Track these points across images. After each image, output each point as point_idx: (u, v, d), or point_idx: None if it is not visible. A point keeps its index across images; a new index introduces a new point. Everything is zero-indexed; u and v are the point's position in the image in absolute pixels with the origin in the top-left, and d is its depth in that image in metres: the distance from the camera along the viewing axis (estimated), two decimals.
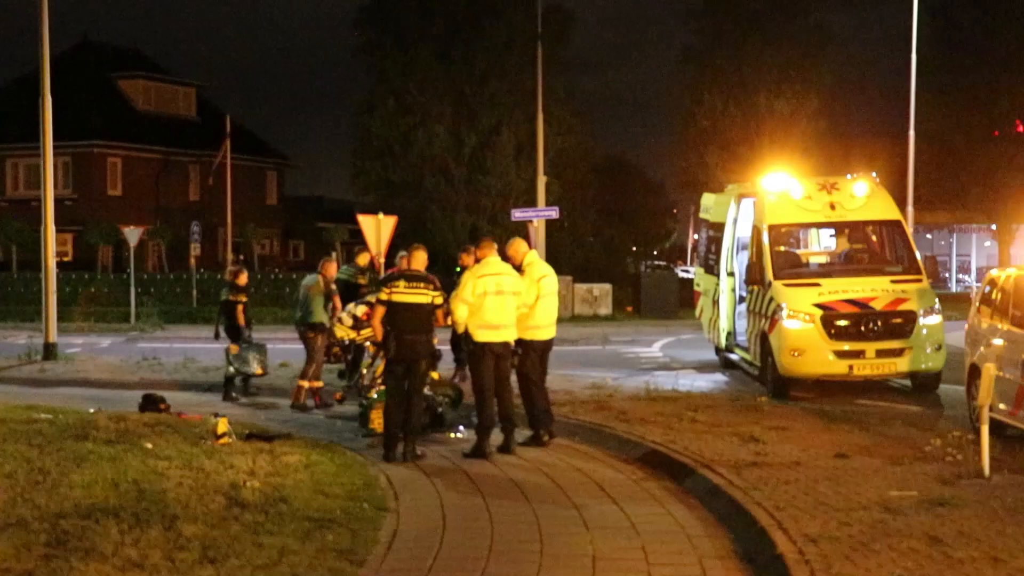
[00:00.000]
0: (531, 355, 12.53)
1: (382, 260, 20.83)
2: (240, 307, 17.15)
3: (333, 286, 16.13)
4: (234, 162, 49.32)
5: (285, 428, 13.63)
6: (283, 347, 24.87)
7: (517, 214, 33.29)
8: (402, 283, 11.78)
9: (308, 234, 60.47)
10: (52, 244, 22.55)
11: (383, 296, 11.80)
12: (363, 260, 18.38)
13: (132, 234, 34.22)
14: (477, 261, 12.42)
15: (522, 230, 33.23)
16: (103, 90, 52.94)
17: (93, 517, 8.48)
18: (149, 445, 11.60)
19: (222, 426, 12.20)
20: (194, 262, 40.25)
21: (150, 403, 14.93)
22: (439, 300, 11.82)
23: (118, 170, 51.41)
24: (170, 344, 25.91)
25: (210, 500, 9.18)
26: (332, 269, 16.39)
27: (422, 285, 11.77)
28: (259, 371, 17.02)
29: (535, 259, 12.82)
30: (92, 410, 14.40)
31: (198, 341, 27.60)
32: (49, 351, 22.05)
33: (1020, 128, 42.08)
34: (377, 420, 12.69)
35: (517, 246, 12.77)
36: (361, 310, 15.39)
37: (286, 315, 35.25)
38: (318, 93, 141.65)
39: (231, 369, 16.85)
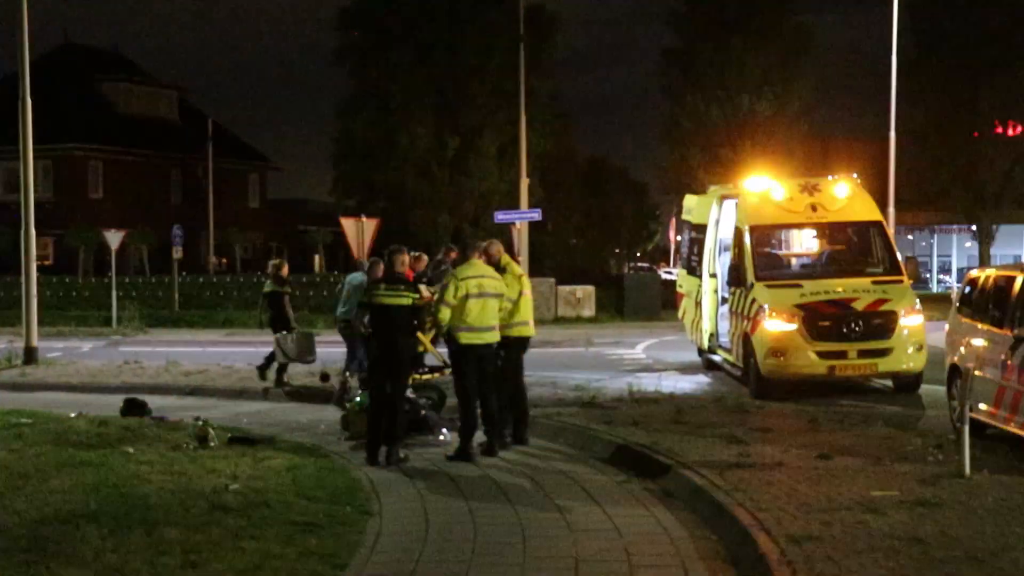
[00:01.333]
0: (517, 353, 12.58)
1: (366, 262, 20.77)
2: (286, 298, 18.10)
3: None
4: (216, 165, 49.20)
5: (268, 431, 13.59)
6: (266, 350, 24.80)
7: (500, 216, 33.31)
8: (382, 286, 11.84)
9: (291, 237, 60.35)
10: (33, 248, 22.43)
11: (365, 299, 11.85)
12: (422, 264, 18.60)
13: (113, 237, 34.07)
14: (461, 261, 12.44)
15: (505, 232, 33.27)
16: (85, 93, 52.71)
17: (73, 522, 8.45)
18: (130, 449, 11.56)
19: (204, 430, 12.17)
20: (176, 265, 40.12)
21: (132, 407, 14.89)
22: (419, 302, 11.83)
23: (99, 173, 51.21)
24: (152, 348, 25.80)
25: (192, 504, 9.15)
26: (381, 270, 16.73)
27: (402, 288, 11.81)
28: (310, 358, 17.81)
29: (509, 258, 12.92)
30: (73, 414, 14.34)
31: (180, 345, 27.52)
32: (30, 355, 21.93)
33: (999, 130, 42.32)
34: (360, 423, 12.67)
35: (498, 246, 12.83)
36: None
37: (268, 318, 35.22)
38: (300, 96, 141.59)
39: (282, 358, 17.64)
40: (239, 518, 8.75)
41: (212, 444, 11.96)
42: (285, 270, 18.42)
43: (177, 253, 40.59)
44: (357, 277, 16.31)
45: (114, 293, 34.38)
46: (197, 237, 51.01)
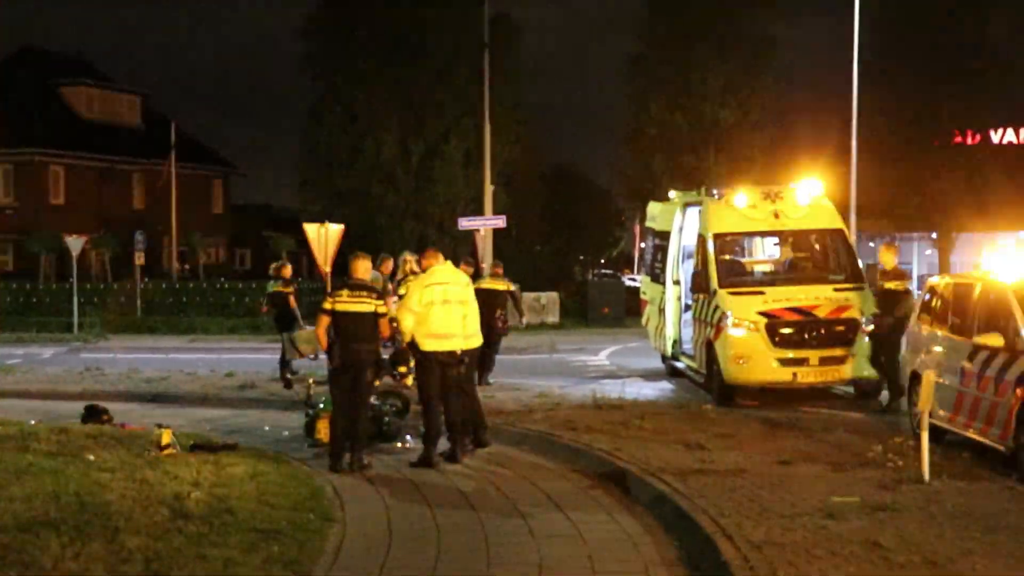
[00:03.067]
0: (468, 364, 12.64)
1: (327, 269, 20.73)
2: (292, 297, 18.87)
3: (389, 285, 17.48)
4: (180, 170, 48.87)
5: (231, 438, 13.51)
6: (229, 357, 24.73)
7: (464, 223, 33.29)
8: (345, 292, 11.81)
9: (255, 243, 60.06)
10: None
11: (327, 306, 11.81)
12: (387, 268, 18.76)
13: (75, 243, 33.80)
14: (423, 271, 12.44)
15: (470, 239, 33.26)
16: (45, 97, 52.26)
17: (33, 531, 8.36)
18: (91, 457, 11.47)
19: (166, 437, 12.09)
20: (138, 271, 39.82)
21: (93, 414, 14.76)
22: (382, 309, 11.82)
23: (61, 178, 50.74)
24: (114, 354, 25.60)
25: (154, 512, 9.08)
26: (389, 266, 18.38)
27: (364, 294, 11.78)
28: (313, 356, 18.02)
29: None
30: (33, 421, 14.21)
31: (143, 351, 27.34)
32: None
33: (959, 139, 42.77)
34: (323, 430, 12.63)
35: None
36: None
37: (232, 324, 35.05)
38: (265, 101, 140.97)
39: (291, 354, 18.27)
40: (201, 526, 8.70)
41: (174, 451, 11.89)
42: (287, 271, 19.21)
43: (139, 259, 40.31)
44: (373, 275, 16.57)
45: (75, 299, 34.10)
46: (160, 243, 50.66)
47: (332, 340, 11.78)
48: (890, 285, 15.45)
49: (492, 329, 16.99)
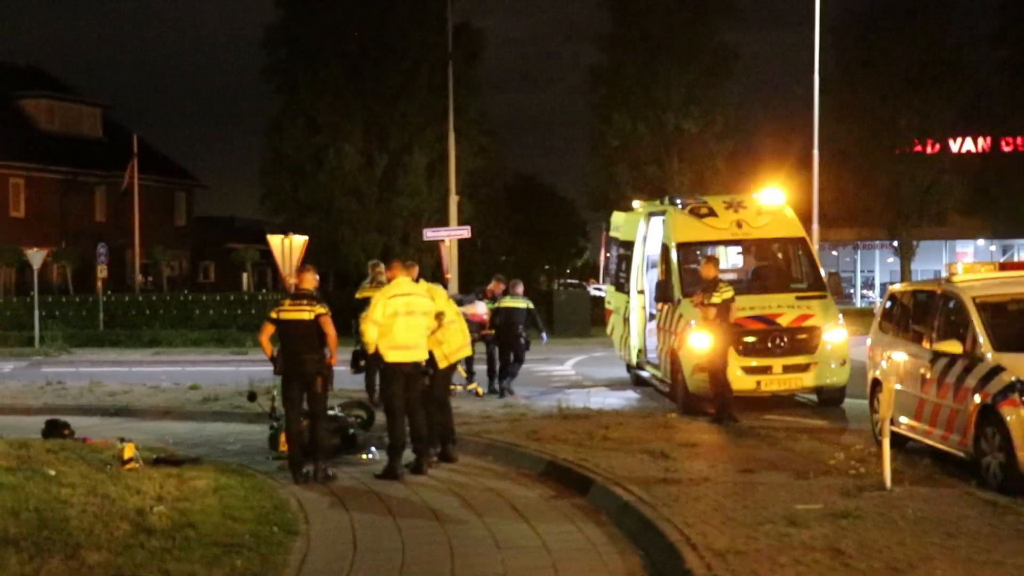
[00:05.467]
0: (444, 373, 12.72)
1: (292, 281, 20.63)
2: None
3: None
4: (142, 182, 48.56)
5: (194, 452, 13.43)
6: (192, 370, 24.59)
7: (429, 234, 33.27)
8: (287, 302, 12.02)
9: (218, 255, 59.74)
10: None
11: (272, 315, 11.99)
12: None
13: (35, 256, 33.52)
14: (388, 282, 12.49)
15: (434, 250, 33.24)
16: (4, 110, 51.81)
17: None
18: (52, 472, 11.35)
19: (128, 451, 11.99)
20: (101, 284, 39.51)
21: (54, 429, 14.60)
22: (321, 309, 11.84)
23: (21, 191, 50.29)
24: (76, 368, 25.39)
25: (115, 527, 9.00)
26: (414, 274, 18.09)
27: (304, 302, 11.89)
28: None
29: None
30: None
31: (105, 365, 27.12)
32: None
33: (919, 148, 43.22)
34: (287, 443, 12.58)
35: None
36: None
37: (196, 337, 34.83)
38: (227, 112, 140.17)
39: None
40: (164, 540, 8.63)
41: (137, 465, 11.79)
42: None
43: (102, 272, 40.02)
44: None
45: (36, 313, 33.80)
46: (122, 255, 50.29)
47: (277, 349, 11.97)
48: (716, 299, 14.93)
49: (515, 344, 18.56)
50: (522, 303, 18.89)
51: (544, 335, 20.08)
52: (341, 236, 40.41)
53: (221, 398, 18.31)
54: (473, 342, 18.97)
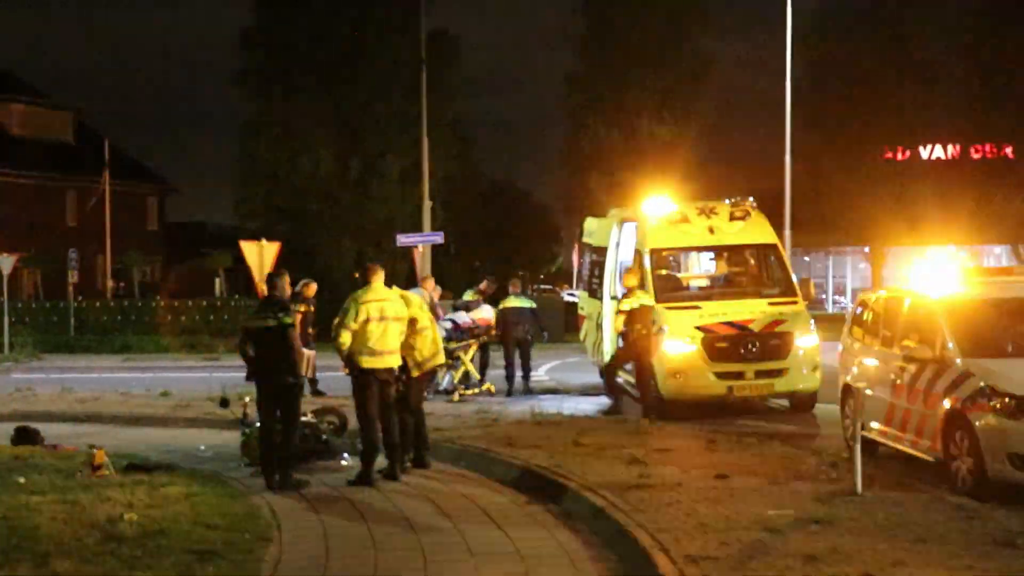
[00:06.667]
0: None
1: (263, 287, 20.56)
2: (303, 316, 18.28)
3: (436, 299, 18.82)
4: (113, 187, 48.26)
5: (166, 458, 13.35)
6: (164, 376, 24.45)
7: (402, 239, 33.18)
8: (258, 309, 12.10)
9: (191, 261, 59.40)
10: None
11: (244, 323, 12.07)
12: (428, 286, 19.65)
13: (5, 262, 33.21)
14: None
15: (408, 255, 33.17)
16: None
17: None
18: (21, 480, 11.26)
19: (99, 458, 11.92)
20: (72, 290, 39.20)
21: (23, 436, 14.50)
22: (288, 320, 11.86)
23: None
24: (46, 374, 25.19)
25: (85, 535, 8.94)
26: (431, 284, 19.41)
27: (271, 310, 11.92)
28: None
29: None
30: None
31: (76, 371, 26.93)
32: None
33: (889, 155, 43.50)
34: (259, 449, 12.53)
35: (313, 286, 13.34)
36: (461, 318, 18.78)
37: (167, 343, 34.63)
38: (200, 117, 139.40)
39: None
40: (134, 548, 8.58)
41: (107, 472, 11.72)
42: (311, 289, 18.74)
43: (73, 277, 39.70)
44: (417, 292, 16.93)
45: (6, 319, 33.50)
46: (94, 261, 49.94)
47: (249, 357, 12.00)
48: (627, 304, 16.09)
49: (522, 342, 19.14)
50: (526, 302, 19.51)
51: (545, 334, 20.57)
52: (314, 242, 40.26)
53: (193, 404, 18.19)
54: (484, 345, 19.52)
